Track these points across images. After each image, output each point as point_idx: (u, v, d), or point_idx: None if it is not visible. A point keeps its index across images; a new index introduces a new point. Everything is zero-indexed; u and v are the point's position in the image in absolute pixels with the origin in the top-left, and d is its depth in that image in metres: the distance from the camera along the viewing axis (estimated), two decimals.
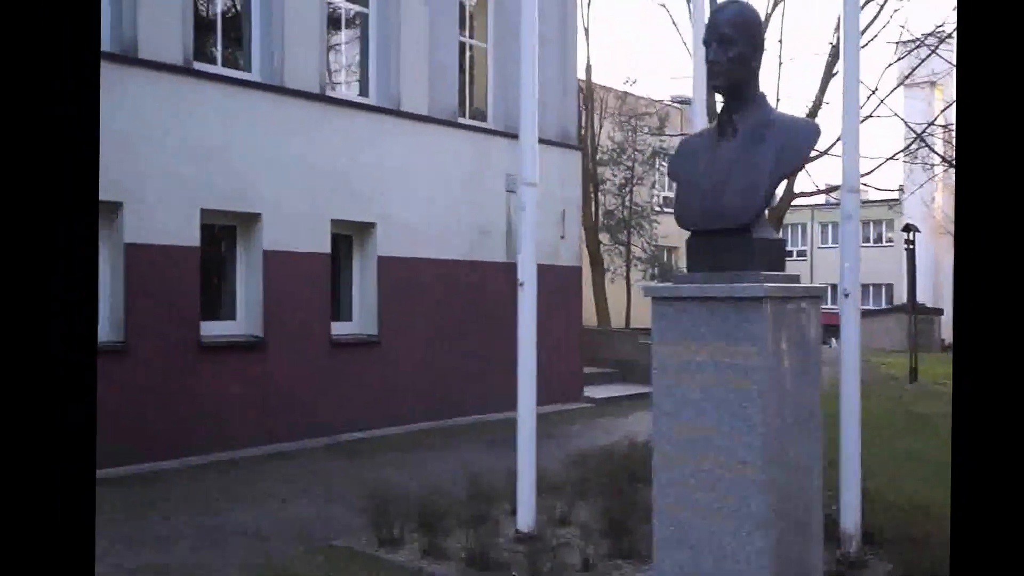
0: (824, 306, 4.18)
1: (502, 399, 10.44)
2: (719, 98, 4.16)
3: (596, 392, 13.70)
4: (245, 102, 9.37)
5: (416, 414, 10.76)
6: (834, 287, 6.67)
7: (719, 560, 3.73)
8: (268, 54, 9.73)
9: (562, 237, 12.99)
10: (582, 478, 6.91)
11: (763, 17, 10.05)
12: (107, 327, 8.38)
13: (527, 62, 5.95)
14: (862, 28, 10.49)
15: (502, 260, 11.98)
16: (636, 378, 15.09)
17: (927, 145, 17.09)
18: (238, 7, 10.02)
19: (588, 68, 20.51)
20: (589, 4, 20.56)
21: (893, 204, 31.43)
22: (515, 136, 11.15)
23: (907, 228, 16.38)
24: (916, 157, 18.46)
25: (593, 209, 21.11)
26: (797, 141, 3.94)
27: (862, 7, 13.56)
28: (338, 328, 10.32)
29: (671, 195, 29.46)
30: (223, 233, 9.57)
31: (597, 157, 21.94)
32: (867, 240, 39.74)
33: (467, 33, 12.41)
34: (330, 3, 10.54)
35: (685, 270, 4.21)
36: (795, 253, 43.96)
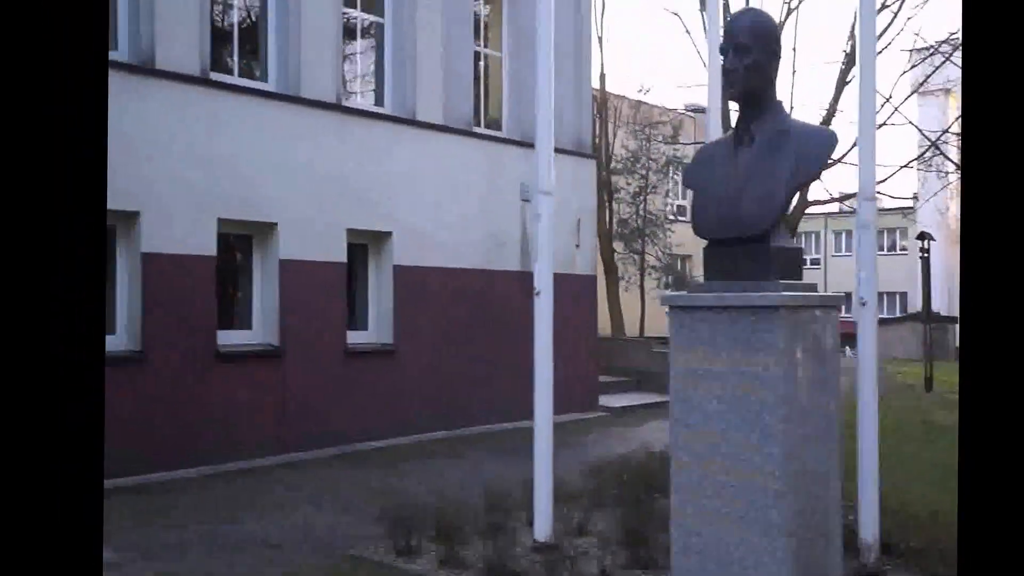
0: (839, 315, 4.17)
1: (517, 408, 10.45)
2: (733, 106, 4.17)
3: (611, 401, 13.67)
4: (261, 112, 9.44)
5: (431, 423, 10.77)
6: (848, 295, 6.66)
7: (738, 570, 3.71)
8: (284, 64, 9.79)
9: (577, 246, 12.99)
10: (599, 487, 6.90)
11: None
12: (124, 336, 8.44)
13: (543, 72, 5.97)
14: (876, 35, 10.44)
15: (516, 269, 11.99)
16: (651, 387, 15.06)
17: (941, 153, 17.03)
18: (254, 18, 10.10)
19: (602, 77, 20.55)
20: (603, 13, 20.58)
21: (907, 212, 31.30)
22: (530, 145, 11.20)
23: (922, 236, 16.30)
24: (931, 165, 18.39)
25: (607, 218, 21.10)
26: (814, 149, 3.93)
27: (876, 13, 13.51)
28: (353, 337, 10.35)
29: (685, 203, 29.45)
30: (239, 242, 9.62)
31: (611, 166, 21.94)
32: (881, 248, 39.47)
33: (482, 42, 12.46)
34: (346, 13, 10.61)
35: (700, 279, 4.20)
36: (808, 261, 43.77)
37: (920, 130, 16.78)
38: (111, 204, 8.13)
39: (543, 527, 5.64)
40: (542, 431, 5.78)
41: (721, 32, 6.66)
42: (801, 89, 58.64)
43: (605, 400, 13.59)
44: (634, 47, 52.33)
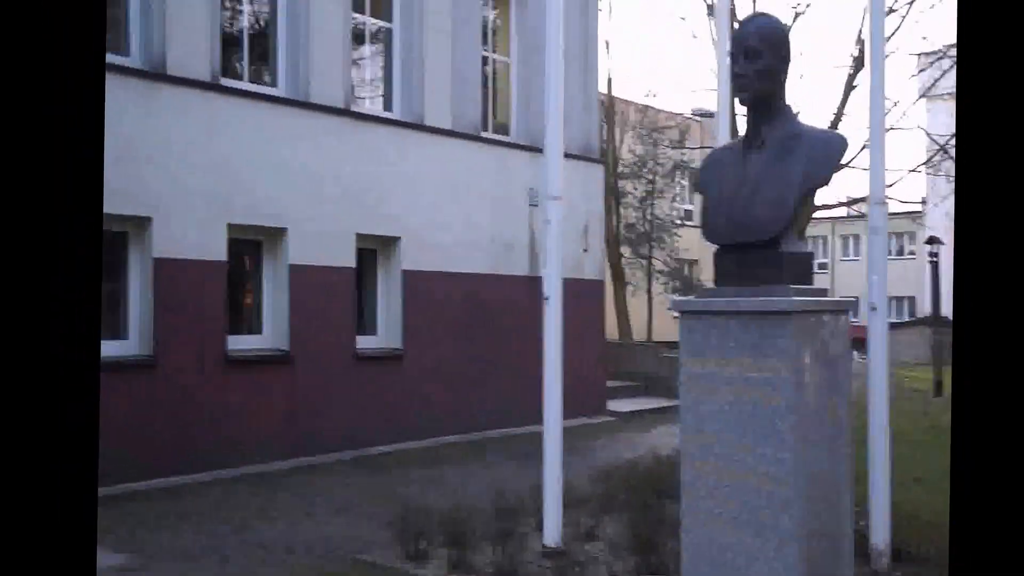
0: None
1: (525, 413, 10.44)
2: (740, 111, 4.18)
3: (619, 406, 13.66)
4: (271, 117, 9.47)
5: (440, 427, 10.77)
6: (856, 300, 6.64)
7: None
8: (294, 69, 9.83)
9: (585, 251, 12.99)
10: (607, 493, 6.89)
11: None
12: (136, 341, 8.47)
13: (552, 77, 5.97)
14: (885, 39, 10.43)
15: (525, 273, 12.00)
16: (659, 392, 15.04)
17: (950, 157, 16.99)
18: (262, 23, 10.14)
19: (609, 82, 20.57)
20: (610, 18, 20.62)
21: (916, 216, 31.23)
22: (537, 150, 11.21)
23: (931, 240, 16.26)
24: (939, 169, 18.35)
25: (614, 222, 21.10)
26: (825, 153, 3.92)
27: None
28: (363, 342, 10.37)
29: (692, 208, 29.43)
30: (249, 247, 9.65)
31: (618, 170, 21.95)
32: (889, 252, 39.23)
33: (490, 47, 12.49)
34: (354, 18, 10.64)
35: (707, 283, 4.21)
36: (816, 266, 43.67)
37: (928, 134, 16.74)
38: (123, 210, 8.19)
39: (552, 532, 5.63)
40: (551, 436, 5.78)
41: (730, 37, 6.66)
42: (807, 94, 58.51)
43: (613, 405, 13.58)
44: (641, 51, 52.35)
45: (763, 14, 4.05)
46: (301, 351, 9.53)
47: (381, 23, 11.10)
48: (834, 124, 16.61)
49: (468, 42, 11.62)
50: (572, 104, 11.90)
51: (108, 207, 8.28)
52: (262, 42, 10.07)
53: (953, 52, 15.42)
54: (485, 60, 12.25)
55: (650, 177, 23.55)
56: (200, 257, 8.75)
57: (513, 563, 5.12)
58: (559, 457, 5.76)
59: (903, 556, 5.30)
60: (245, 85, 9.58)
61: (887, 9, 14.83)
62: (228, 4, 9.76)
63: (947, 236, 25.99)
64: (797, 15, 17.93)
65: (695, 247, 26.63)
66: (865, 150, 14.08)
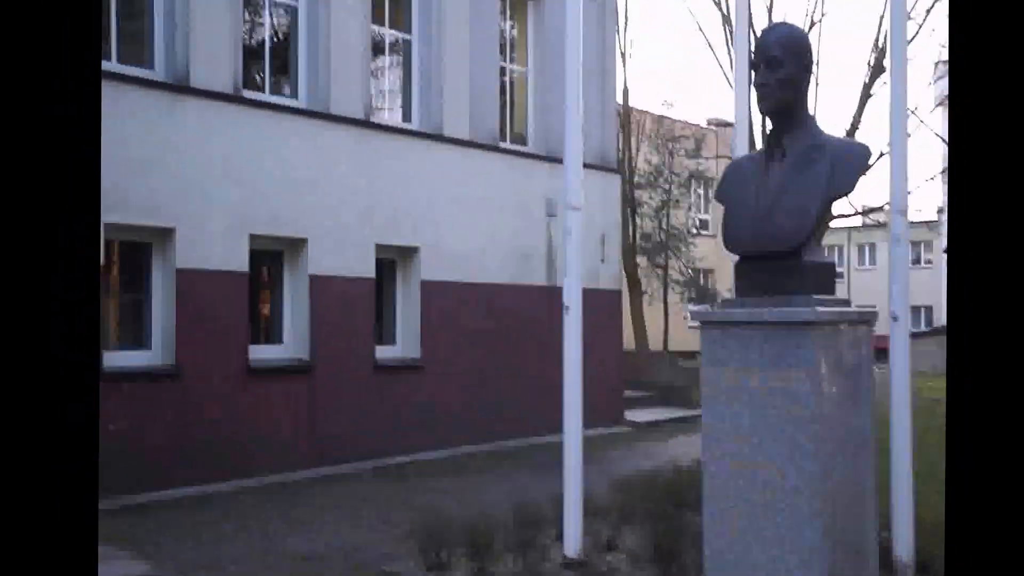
0: None
1: (544, 422, 10.45)
2: (758, 120, 4.18)
3: (637, 416, 13.63)
4: (292, 129, 9.55)
5: (459, 437, 10.78)
6: (873, 309, 6.60)
7: None
8: (314, 81, 9.91)
9: (602, 261, 13.00)
10: (627, 503, 6.87)
11: None
12: (159, 351, 8.55)
13: (571, 88, 5.99)
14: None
15: (543, 284, 12.02)
16: (676, 401, 15.00)
17: None
18: (280, 36, 10.24)
19: (625, 91, 20.58)
20: (626, 28, 20.66)
21: (933, 225, 31.04)
22: (555, 160, 11.24)
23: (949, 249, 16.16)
24: None
25: (631, 232, 21.10)
26: (848, 163, 3.90)
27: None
28: (382, 352, 10.41)
29: (708, 218, 29.37)
30: (270, 258, 9.73)
31: (634, 180, 21.95)
32: None
33: (507, 58, 12.54)
34: (374, 30, 10.73)
35: (723, 293, 4.21)
36: None
37: (946, 142, 16.66)
38: (147, 221, 8.29)
39: (573, 543, 5.63)
40: (572, 446, 5.77)
41: (748, 46, 6.67)
42: (823, 102, 58.38)
43: (631, 415, 13.55)
44: (657, 61, 52.39)
45: (784, 23, 4.06)
46: (321, 361, 9.58)
47: (400, 35, 11.18)
48: (850, 133, 16.56)
49: (486, 53, 11.69)
50: (589, 114, 11.92)
51: (132, 218, 8.40)
52: (282, 54, 10.17)
53: None
54: (503, 71, 12.31)
55: (666, 187, 23.54)
56: (222, 268, 8.82)
57: (534, 574, 5.12)
58: (579, 467, 5.75)
59: (927, 568, 5.26)
60: (266, 97, 9.68)
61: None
62: (249, 17, 9.86)
63: None
64: (813, 23, 17.93)
65: (711, 256, 26.56)
66: (881, 158, 14.07)
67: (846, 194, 4.11)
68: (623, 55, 20.21)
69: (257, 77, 9.92)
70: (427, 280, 10.77)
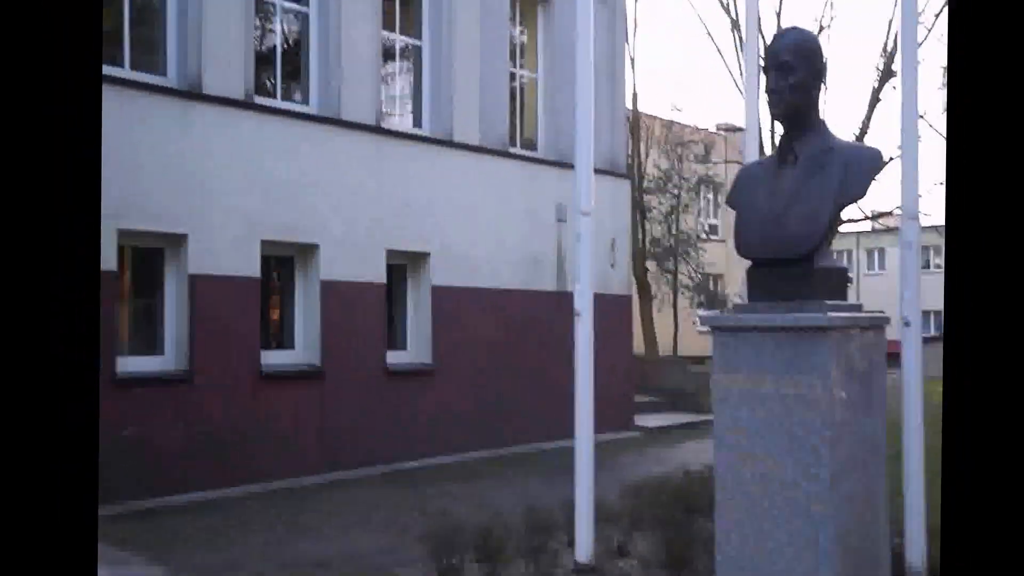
0: None
1: (555, 427, 10.45)
2: (767, 125, 4.17)
3: (646, 421, 13.61)
4: (303, 135, 9.60)
5: (470, 442, 10.80)
6: (882, 313, 6.59)
7: None
8: (325, 87, 9.96)
9: (612, 266, 13.00)
10: (637, 508, 6.86)
11: None
12: (172, 356, 8.60)
13: (583, 93, 6.01)
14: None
15: (552, 289, 12.03)
16: (686, 407, 14.98)
17: None
18: (291, 42, 10.29)
19: (634, 97, 20.60)
20: (635, 33, 20.69)
21: (943, 230, 30.91)
22: (565, 165, 11.25)
23: None
24: None
25: (640, 237, 21.10)
26: (860, 167, 3.90)
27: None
28: (393, 357, 10.43)
29: (717, 223, 29.33)
30: (282, 264, 9.77)
31: (643, 185, 21.95)
32: None
33: (517, 64, 12.58)
34: (384, 37, 10.77)
35: (733, 297, 4.21)
36: None
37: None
38: (159, 227, 8.33)
39: (584, 549, 5.63)
40: (583, 452, 5.78)
41: (757, 51, 6.67)
42: (831, 107, 58.20)
43: (640, 420, 13.54)
44: (666, 66, 52.36)
45: (796, 28, 4.05)
46: (332, 366, 9.61)
47: (410, 40, 11.23)
48: (859, 138, 16.53)
49: (496, 59, 11.72)
50: (599, 119, 11.93)
51: (144, 225, 8.44)
52: (294, 60, 10.22)
53: None
54: (512, 76, 12.34)
55: (675, 192, 23.53)
56: (234, 274, 8.87)
57: None
58: (591, 473, 5.76)
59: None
60: (278, 103, 9.72)
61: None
62: (261, 24, 9.92)
63: None
64: (821, 28, 17.92)
65: (720, 261, 26.53)
66: (891, 163, 14.02)
67: (858, 199, 4.10)
68: (632, 61, 20.25)
69: (268, 83, 9.97)
70: (438, 285, 10.80)
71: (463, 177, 11.13)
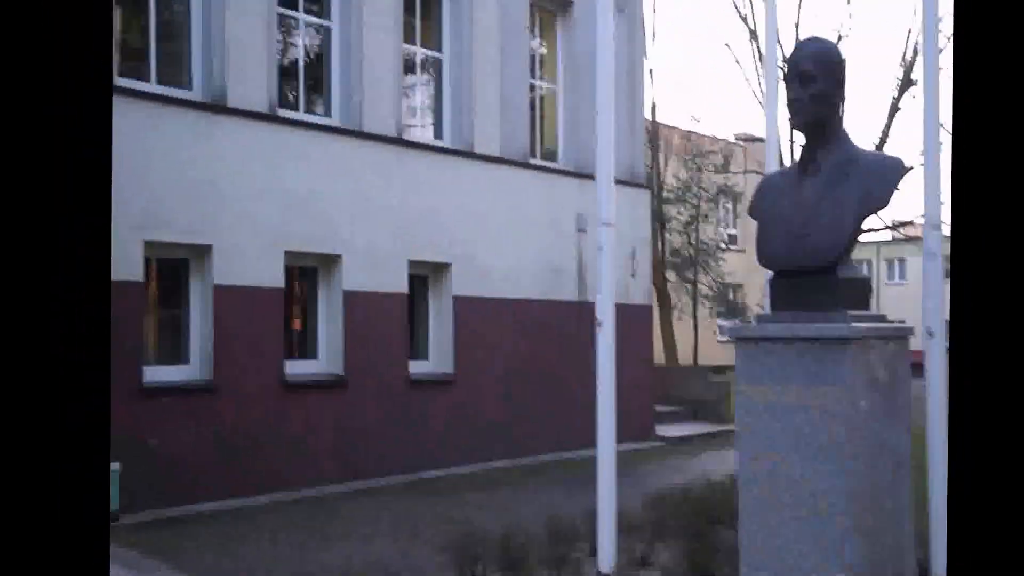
0: None
1: (575, 437, 10.46)
2: (786, 135, 4.18)
3: (667, 431, 13.58)
4: (326, 146, 9.70)
5: (492, 452, 10.82)
6: (903, 322, 6.56)
7: None
8: (347, 100, 10.06)
9: (632, 276, 13.01)
10: (660, 518, 6.86)
11: None
12: (198, 366, 8.69)
13: (603, 104, 6.04)
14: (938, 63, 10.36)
15: (573, 299, 12.05)
16: (707, 416, 14.93)
17: None
18: (314, 55, 10.41)
19: (653, 107, 20.63)
20: (653, 44, 20.73)
21: None
22: (585, 176, 11.29)
23: None
24: None
25: (659, 247, 21.10)
26: (882, 177, 3.90)
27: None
28: (415, 367, 10.49)
29: (736, 232, 29.24)
30: (305, 274, 9.86)
31: (663, 195, 21.95)
32: None
33: (537, 75, 12.64)
34: (405, 49, 10.87)
35: (753, 307, 4.22)
36: None
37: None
38: (185, 239, 8.44)
39: (607, 558, 5.62)
40: (605, 461, 5.77)
41: (775, 61, 6.67)
42: (850, 117, 57.89)
43: (661, 430, 13.51)
44: (684, 77, 52.33)
45: (816, 38, 4.06)
46: (355, 376, 9.67)
47: (431, 53, 11.32)
48: (879, 147, 16.48)
49: (516, 70, 11.79)
50: (618, 130, 11.88)
51: (170, 236, 8.56)
52: (316, 73, 10.33)
53: None
54: (532, 87, 12.41)
55: (694, 202, 23.52)
56: (258, 284, 8.96)
57: None
58: (613, 483, 5.75)
59: None
60: (301, 115, 9.83)
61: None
62: (283, 37, 10.04)
63: None
64: (840, 38, 17.88)
65: (740, 271, 26.44)
66: (911, 172, 13.95)
67: (880, 209, 4.08)
68: (651, 71, 20.29)
69: (291, 96, 10.09)
70: (459, 295, 10.85)
71: (484, 188, 11.19)
